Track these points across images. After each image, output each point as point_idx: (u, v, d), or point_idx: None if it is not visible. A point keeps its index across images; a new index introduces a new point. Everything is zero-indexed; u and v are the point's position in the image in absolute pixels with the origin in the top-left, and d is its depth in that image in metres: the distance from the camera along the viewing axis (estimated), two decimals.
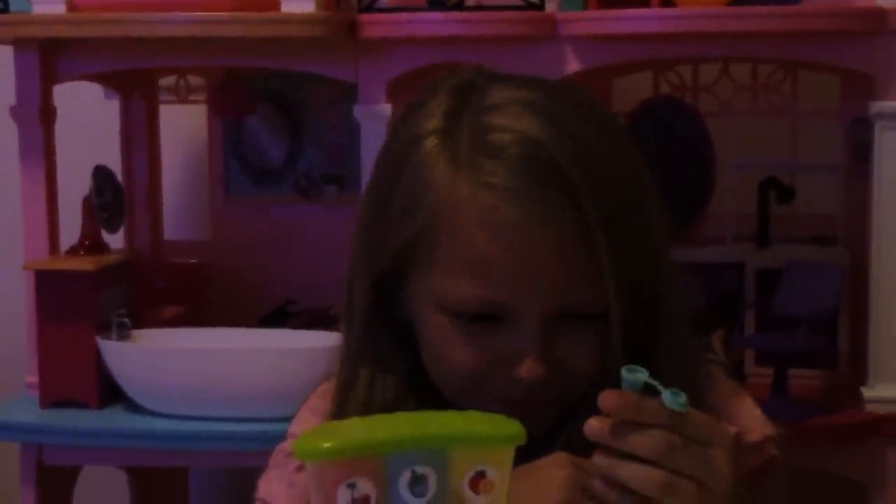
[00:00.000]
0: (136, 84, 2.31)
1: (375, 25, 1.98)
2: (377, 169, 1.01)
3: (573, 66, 1.98)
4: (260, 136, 2.41)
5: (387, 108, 2.01)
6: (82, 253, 2.07)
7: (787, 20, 1.87)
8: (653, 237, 0.97)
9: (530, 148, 0.93)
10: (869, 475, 1.95)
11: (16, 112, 2.07)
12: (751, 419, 1.05)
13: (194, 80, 2.44)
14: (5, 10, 2.03)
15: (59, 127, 2.10)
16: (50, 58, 2.07)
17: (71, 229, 2.09)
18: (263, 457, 1.12)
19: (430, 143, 0.96)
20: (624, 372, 0.84)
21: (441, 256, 0.95)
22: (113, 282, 2.08)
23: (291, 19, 1.95)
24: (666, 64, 2.26)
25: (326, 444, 0.76)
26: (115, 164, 2.24)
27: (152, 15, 1.96)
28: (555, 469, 0.89)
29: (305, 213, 2.41)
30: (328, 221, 2.36)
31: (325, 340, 1.89)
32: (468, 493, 0.78)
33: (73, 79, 2.13)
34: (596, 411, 0.85)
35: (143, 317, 2.14)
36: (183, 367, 1.96)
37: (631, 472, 0.84)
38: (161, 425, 1.98)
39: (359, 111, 2.03)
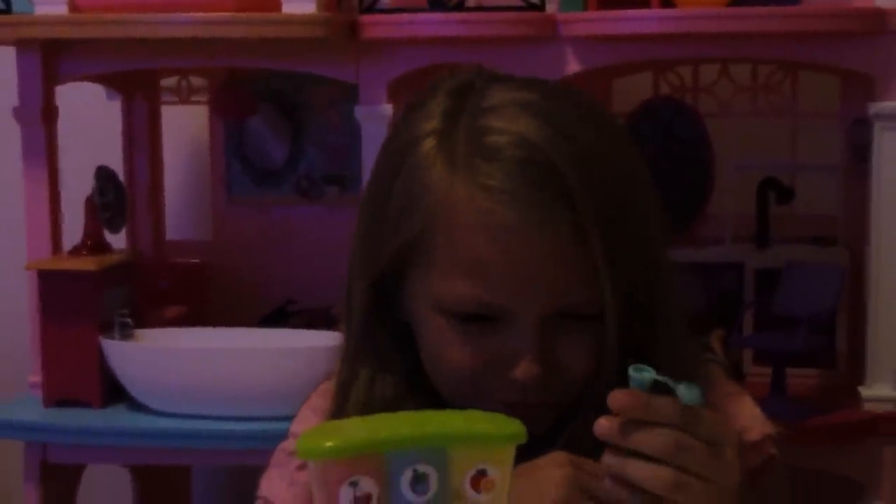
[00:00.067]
0: (138, 85, 2.31)
1: (376, 26, 1.98)
2: (376, 169, 1.01)
3: (573, 66, 1.98)
4: (261, 137, 2.42)
5: (388, 109, 2.01)
6: (85, 253, 2.07)
7: (786, 21, 1.87)
8: (651, 238, 0.97)
9: (527, 150, 0.92)
10: (866, 474, 1.96)
11: (18, 113, 2.07)
12: (750, 418, 1.05)
13: (196, 80, 2.44)
14: (7, 10, 2.03)
15: (62, 127, 2.10)
16: (52, 58, 2.07)
17: (73, 229, 2.10)
18: (265, 455, 1.12)
19: (428, 144, 0.96)
20: (631, 371, 0.84)
21: (438, 258, 0.95)
22: (115, 282, 2.08)
23: (293, 20, 1.95)
24: (666, 64, 2.26)
25: (329, 443, 0.76)
26: (118, 165, 2.24)
27: (154, 16, 1.96)
28: (553, 468, 0.89)
29: (306, 213, 2.41)
30: (329, 222, 2.36)
31: (326, 340, 1.89)
32: (469, 491, 0.78)
33: (75, 79, 2.13)
34: (596, 411, 0.85)
35: (146, 316, 2.15)
36: (185, 366, 1.97)
37: (640, 471, 0.84)
38: (163, 424, 1.98)
39: (360, 112, 2.03)
